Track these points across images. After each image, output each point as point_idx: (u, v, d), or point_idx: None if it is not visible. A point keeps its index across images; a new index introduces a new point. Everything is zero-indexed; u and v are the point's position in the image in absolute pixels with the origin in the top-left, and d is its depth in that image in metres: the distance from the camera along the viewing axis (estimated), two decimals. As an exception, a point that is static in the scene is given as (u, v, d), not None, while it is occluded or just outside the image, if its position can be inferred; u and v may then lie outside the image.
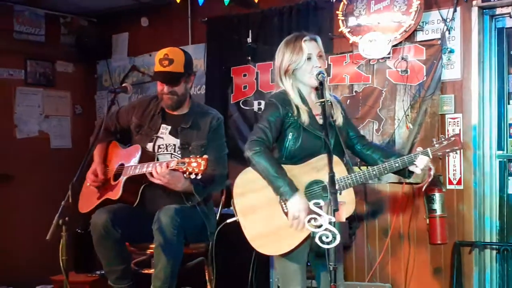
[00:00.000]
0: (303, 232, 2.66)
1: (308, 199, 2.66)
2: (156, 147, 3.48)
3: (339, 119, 2.87)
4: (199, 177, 2.96)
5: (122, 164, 3.47)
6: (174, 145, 3.45)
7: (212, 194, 3.60)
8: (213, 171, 3.36)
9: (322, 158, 2.71)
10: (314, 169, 2.74)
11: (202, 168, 2.93)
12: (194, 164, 2.94)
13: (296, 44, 2.80)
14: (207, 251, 3.54)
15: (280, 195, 2.66)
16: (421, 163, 2.76)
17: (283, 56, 2.84)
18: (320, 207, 2.23)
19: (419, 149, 2.81)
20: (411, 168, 2.79)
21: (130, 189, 3.35)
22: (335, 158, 2.68)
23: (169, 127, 3.51)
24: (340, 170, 2.72)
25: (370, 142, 3.09)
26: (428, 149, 2.78)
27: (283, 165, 2.73)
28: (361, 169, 2.78)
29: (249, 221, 2.77)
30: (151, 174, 3.16)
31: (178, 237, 3.17)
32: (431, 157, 2.77)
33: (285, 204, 2.70)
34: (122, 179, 3.34)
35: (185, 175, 3.00)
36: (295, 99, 2.81)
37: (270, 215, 2.72)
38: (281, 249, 2.71)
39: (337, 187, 2.63)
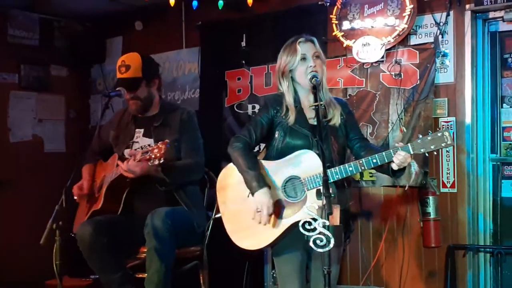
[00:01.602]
0: (278, 228, 2.69)
1: (285, 194, 2.72)
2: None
3: (334, 119, 2.84)
4: (161, 161, 3.02)
5: (105, 176, 3.52)
6: (149, 145, 3.47)
7: (201, 194, 3.67)
8: (189, 160, 3.45)
9: (299, 155, 2.72)
10: (291, 165, 2.74)
11: (162, 152, 3.00)
12: (156, 150, 3.02)
13: (292, 46, 2.85)
14: (201, 255, 3.55)
15: (249, 189, 2.72)
16: (397, 159, 2.57)
17: (281, 58, 2.90)
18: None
19: (399, 144, 2.61)
20: (392, 164, 2.63)
21: (112, 197, 3.40)
22: (311, 154, 2.68)
23: (142, 130, 3.56)
24: (312, 166, 2.67)
25: (369, 144, 3.00)
26: (409, 144, 2.57)
27: (263, 161, 2.80)
28: None
29: (227, 215, 2.87)
30: (125, 171, 3.22)
31: (170, 240, 3.19)
32: (411, 152, 2.56)
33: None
34: (104, 188, 3.41)
35: (149, 163, 3.07)
36: (288, 100, 2.85)
37: (246, 210, 2.75)
38: (258, 243, 2.75)
39: (309, 186, 2.66)
